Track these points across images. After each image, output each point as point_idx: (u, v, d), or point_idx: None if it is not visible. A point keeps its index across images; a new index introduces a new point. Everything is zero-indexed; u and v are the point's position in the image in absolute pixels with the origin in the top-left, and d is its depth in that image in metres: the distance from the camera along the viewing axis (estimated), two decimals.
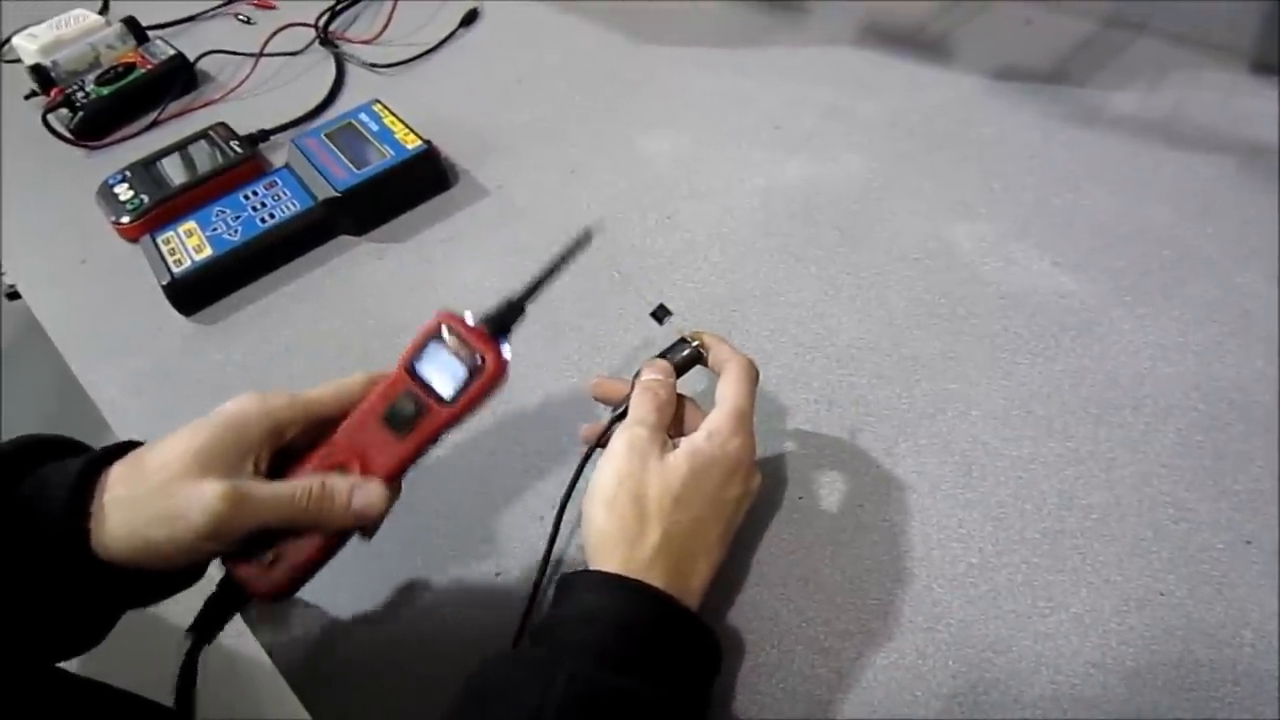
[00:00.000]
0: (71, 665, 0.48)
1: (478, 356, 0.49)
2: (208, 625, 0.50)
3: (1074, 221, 0.74)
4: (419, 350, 0.50)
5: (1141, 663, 0.51)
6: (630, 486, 0.50)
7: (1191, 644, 0.51)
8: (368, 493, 0.49)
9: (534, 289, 0.52)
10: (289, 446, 0.50)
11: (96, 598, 0.46)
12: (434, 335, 0.50)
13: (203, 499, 0.44)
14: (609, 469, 0.51)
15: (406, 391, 0.50)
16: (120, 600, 0.48)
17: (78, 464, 0.46)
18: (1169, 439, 0.60)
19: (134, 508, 0.44)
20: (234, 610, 0.50)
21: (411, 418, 0.50)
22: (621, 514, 0.49)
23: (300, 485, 0.48)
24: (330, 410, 0.51)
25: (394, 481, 0.51)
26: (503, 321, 0.51)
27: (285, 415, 0.49)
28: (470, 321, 0.50)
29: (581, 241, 0.52)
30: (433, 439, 0.50)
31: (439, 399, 0.49)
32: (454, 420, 0.50)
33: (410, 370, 0.50)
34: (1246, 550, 0.54)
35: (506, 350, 0.50)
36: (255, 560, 0.48)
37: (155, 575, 0.47)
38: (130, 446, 0.48)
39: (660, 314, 0.60)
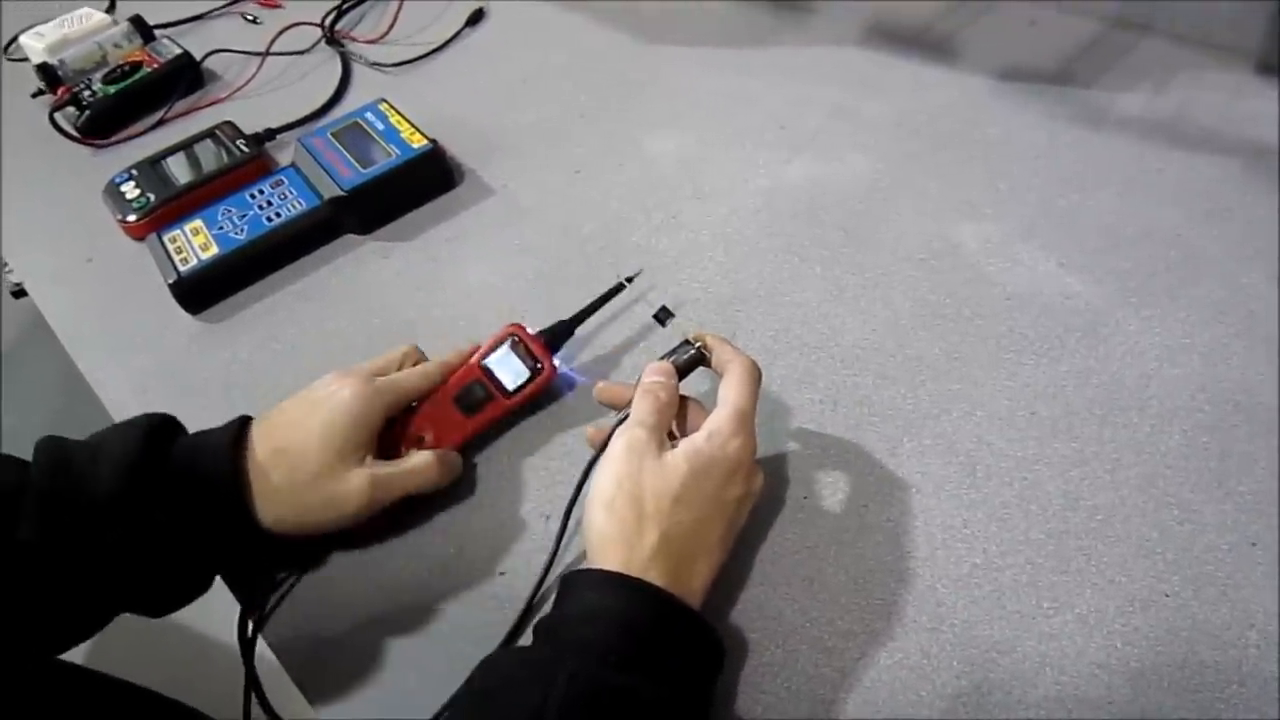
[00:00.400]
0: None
1: (537, 362, 0.63)
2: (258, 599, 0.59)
3: (1079, 222, 0.74)
4: (491, 349, 0.64)
5: (1146, 663, 0.51)
6: (628, 488, 0.50)
7: (1196, 645, 0.51)
8: (457, 459, 0.62)
9: (585, 315, 0.67)
10: None
11: (251, 559, 0.57)
12: (505, 339, 0.64)
13: (355, 489, 0.56)
14: (608, 471, 0.51)
15: (477, 380, 0.63)
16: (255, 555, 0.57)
17: (224, 439, 0.54)
18: (1174, 440, 0.60)
19: (295, 495, 0.55)
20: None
21: (479, 402, 0.63)
22: (621, 515, 0.50)
23: (420, 461, 0.59)
24: (419, 394, 0.62)
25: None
26: (556, 337, 0.65)
27: (390, 401, 0.59)
28: (532, 332, 0.64)
29: (631, 278, 0.68)
30: (492, 422, 0.63)
31: (503, 390, 0.63)
32: (512, 409, 0.63)
33: (482, 365, 0.63)
34: (1251, 552, 0.54)
35: (558, 361, 0.65)
36: None
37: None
38: (246, 422, 0.57)
39: (662, 315, 0.61)
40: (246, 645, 0.57)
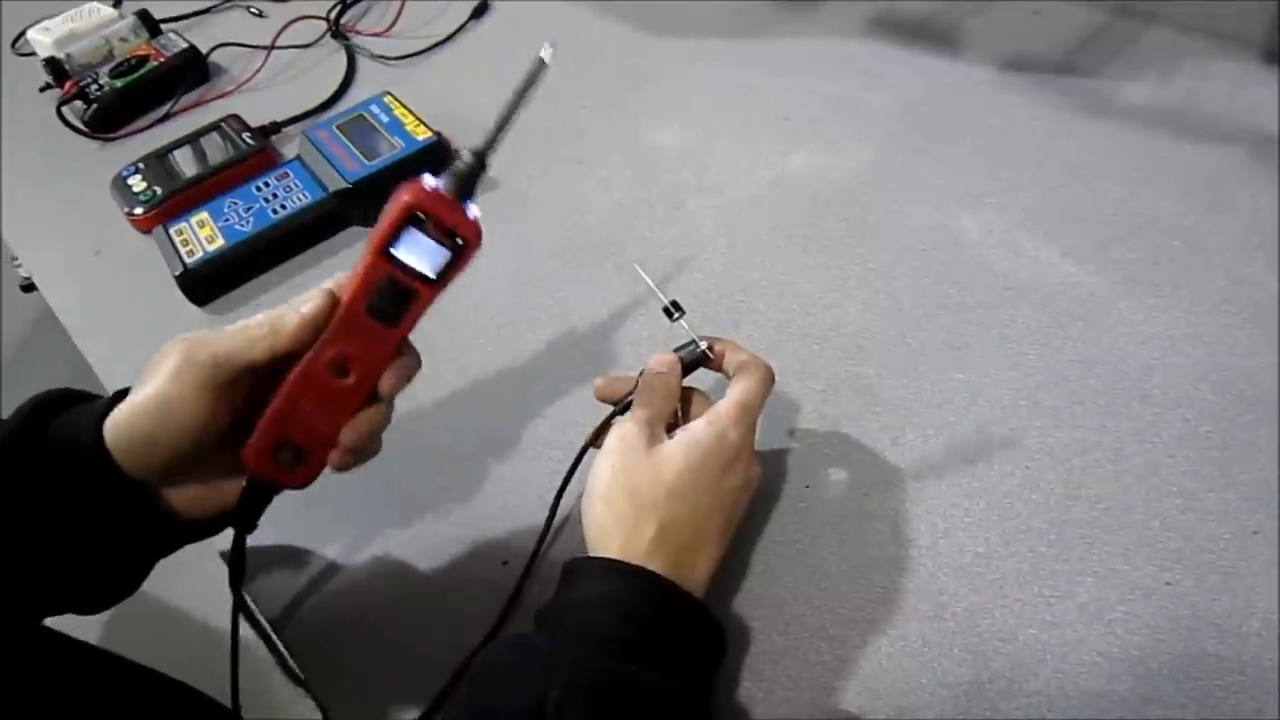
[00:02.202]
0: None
1: (454, 235, 0.47)
2: (245, 517, 0.51)
3: (1083, 212, 0.74)
4: (391, 233, 0.46)
5: (1148, 652, 0.51)
6: (624, 480, 0.50)
7: (1198, 634, 0.51)
8: (309, 300, 0.48)
9: (493, 141, 0.48)
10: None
11: (129, 525, 0.48)
12: (405, 217, 0.46)
13: (160, 354, 0.46)
14: (604, 464, 0.52)
15: (389, 278, 0.47)
16: (151, 532, 0.49)
17: (98, 403, 0.48)
18: (1177, 429, 0.60)
19: (120, 406, 0.46)
20: (265, 502, 0.51)
21: (399, 304, 0.48)
22: (618, 508, 0.50)
23: (255, 319, 0.48)
24: (242, 348, 0.47)
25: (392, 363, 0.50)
26: (466, 180, 0.47)
27: (213, 350, 0.47)
28: (435, 186, 0.46)
29: (535, 73, 0.49)
30: (419, 318, 0.49)
31: (424, 279, 0.47)
32: (438, 295, 0.48)
33: (387, 253, 0.47)
34: (1253, 540, 0.54)
35: (474, 210, 0.48)
36: (276, 460, 0.49)
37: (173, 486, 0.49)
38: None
39: (672, 310, 0.60)
40: (236, 565, 0.52)
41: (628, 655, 0.44)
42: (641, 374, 0.57)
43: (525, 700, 0.41)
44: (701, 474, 0.51)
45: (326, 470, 0.50)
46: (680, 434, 0.52)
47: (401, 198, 0.46)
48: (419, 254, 0.47)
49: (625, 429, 0.52)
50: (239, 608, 0.53)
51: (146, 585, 0.51)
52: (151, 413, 0.46)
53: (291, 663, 0.57)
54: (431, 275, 0.47)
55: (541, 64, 0.49)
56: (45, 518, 0.45)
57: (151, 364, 0.47)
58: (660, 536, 0.49)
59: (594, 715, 0.41)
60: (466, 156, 0.47)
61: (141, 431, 0.46)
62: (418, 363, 0.51)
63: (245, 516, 0.51)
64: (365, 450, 0.50)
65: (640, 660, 0.44)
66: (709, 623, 0.49)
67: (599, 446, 0.54)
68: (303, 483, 0.50)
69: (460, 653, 0.55)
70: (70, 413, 0.48)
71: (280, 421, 0.48)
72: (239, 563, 0.52)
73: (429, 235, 0.46)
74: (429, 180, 0.46)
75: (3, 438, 0.46)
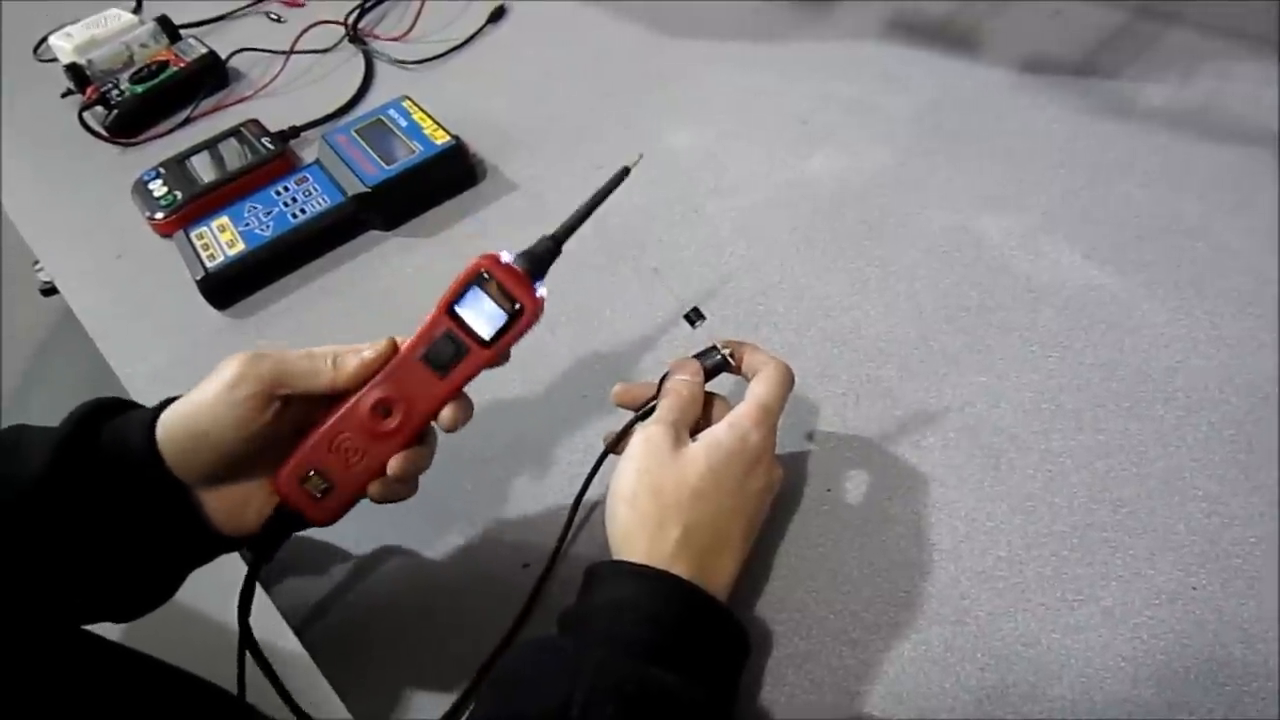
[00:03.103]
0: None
1: (515, 301, 0.50)
2: (265, 542, 0.52)
3: (1104, 214, 0.74)
4: (459, 292, 0.51)
5: (1172, 657, 0.50)
6: (648, 483, 0.50)
7: (1223, 638, 0.51)
8: (374, 347, 0.51)
9: (570, 229, 0.53)
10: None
11: (171, 526, 0.49)
12: (473, 277, 0.51)
13: (225, 363, 0.49)
14: (629, 467, 0.52)
15: (447, 331, 0.51)
16: (189, 537, 0.50)
17: (149, 409, 0.50)
18: (1201, 432, 0.59)
19: (175, 405, 0.49)
20: (289, 532, 0.52)
21: (452, 358, 0.51)
22: (642, 510, 0.50)
23: (319, 351, 0.51)
24: (307, 377, 0.50)
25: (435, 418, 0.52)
26: (538, 261, 0.52)
27: (274, 370, 0.49)
28: (508, 260, 0.51)
29: (618, 179, 0.54)
30: (471, 377, 0.52)
31: (479, 339, 0.51)
32: (494, 360, 0.51)
33: (450, 312, 0.51)
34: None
35: (542, 290, 0.52)
36: (305, 489, 0.51)
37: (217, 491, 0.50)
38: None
39: (693, 316, 0.60)
40: (247, 592, 0.53)
41: (652, 659, 0.44)
42: (663, 379, 0.57)
43: (550, 703, 0.41)
44: (725, 476, 0.51)
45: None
46: (703, 437, 0.52)
47: (475, 260, 0.51)
48: (479, 315, 0.51)
49: (650, 432, 0.52)
50: (245, 643, 0.53)
51: None
52: (206, 410, 0.48)
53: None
54: (486, 337, 0.51)
55: (626, 171, 0.54)
56: (93, 518, 0.47)
57: (215, 369, 0.49)
58: (685, 539, 0.49)
59: (619, 719, 0.41)
60: (545, 241, 0.52)
61: (193, 427, 0.48)
62: (471, 407, 0.53)
63: (265, 542, 0.52)
64: (404, 484, 0.52)
65: (665, 664, 0.44)
66: (733, 626, 0.49)
67: (619, 452, 0.54)
68: (326, 518, 0.52)
69: (482, 654, 0.55)
70: (123, 417, 0.50)
71: (317, 449, 0.50)
72: (249, 594, 0.52)
73: (492, 298, 0.50)
74: (505, 254, 0.51)
75: (57, 440, 0.47)
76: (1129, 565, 0.54)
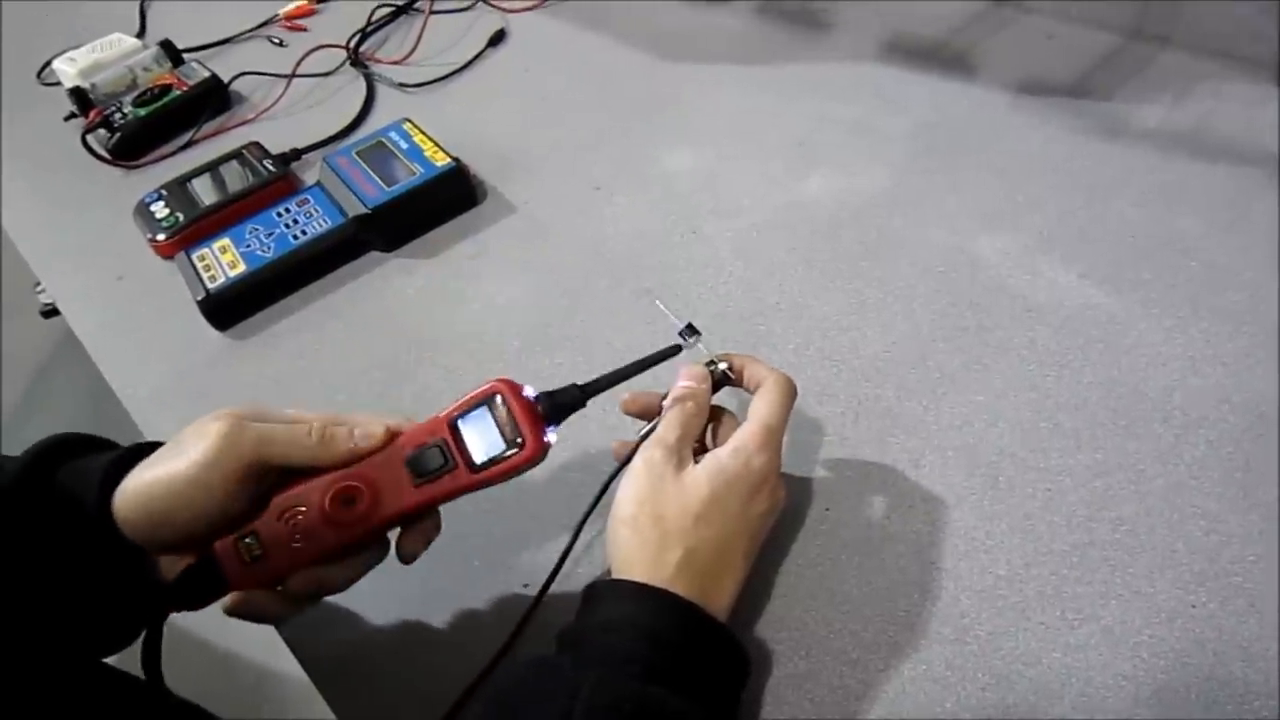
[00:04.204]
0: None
1: (519, 435, 0.49)
2: (177, 596, 0.48)
3: (1100, 234, 0.74)
4: (468, 406, 0.50)
5: (1173, 676, 0.50)
6: (649, 508, 0.50)
7: (1224, 657, 0.51)
8: (369, 434, 0.49)
9: (603, 388, 0.53)
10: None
11: (125, 582, 0.47)
12: (486, 397, 0.50)
13: (202, 430, 0.46)
14: (630, 490, 0.52)
15: (440, 442, 0.49)
16: (141, 598, 0.48)
17: (109, 456, 0.48)
18: (1198, 451, 0.60)
19: (142, 469, 0.46)
20: (206, 589, 0.48)
21: (435, 470, 0.49)
22: (643, 533, 0.50)
23: (306, 422, 0.49)
24: (290, 452, 0.48)
25: (396, 522, 0.50)
26: (560, 408, 0.51)
27: (256, 441, 0.47)
28: (528, 395, 0.50)
29: (667, 353, 0.55)
30: (447, 498, 0.50)
31: (469, 462, 0.49)
32: (474, 487, 0.49)
33: (451, 423, 0.50)
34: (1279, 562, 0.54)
35: (552, 435, 0.50)
36: (238, 550, 0.47)
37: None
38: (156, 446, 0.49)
39: (687, 333, 0.60)
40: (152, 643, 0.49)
41: (651, 678, 0.44)
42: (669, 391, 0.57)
43: None
44: (728, 501, 0.51)
45: None
46: (706, 460, 0.52)
47: (493, 382, 0.50)
48: (478, 437, 0.49)
49: (651, 454, 0.52)
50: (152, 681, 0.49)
51: None
52: (177, 493, 0.46)
53: None
54: (476, 461, 0.49)
55: (677, 349, 0.55)
56: (37, 565, 0.45)
57: (190, 435, 0.47)
58: (685, 561, 0.49)
59: None
60: (573, 389, 0.51)
61: (160, 508, 0.46)
62: (438, 529, 0.52)
63: (177, 594, 0.48)
64: (342, 583, 0.51)
65: (663, 683, 0.44)
66: (732, 646, 0.49)
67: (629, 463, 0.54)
68: (244, 585, 0.48)
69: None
70: (82, 461, 0.48)
71: (267, 514, 0.48)
72: (154, 643, 0.49)
73: (497, 424, 0.49)
74: (529, 388, 0.50)
75: (9, 479, 0.46)
76: (1128, 584, 0.54)
